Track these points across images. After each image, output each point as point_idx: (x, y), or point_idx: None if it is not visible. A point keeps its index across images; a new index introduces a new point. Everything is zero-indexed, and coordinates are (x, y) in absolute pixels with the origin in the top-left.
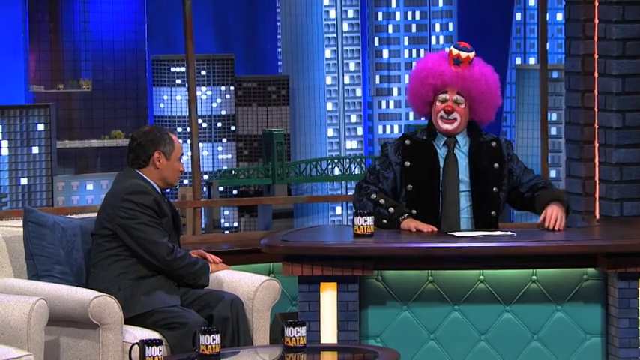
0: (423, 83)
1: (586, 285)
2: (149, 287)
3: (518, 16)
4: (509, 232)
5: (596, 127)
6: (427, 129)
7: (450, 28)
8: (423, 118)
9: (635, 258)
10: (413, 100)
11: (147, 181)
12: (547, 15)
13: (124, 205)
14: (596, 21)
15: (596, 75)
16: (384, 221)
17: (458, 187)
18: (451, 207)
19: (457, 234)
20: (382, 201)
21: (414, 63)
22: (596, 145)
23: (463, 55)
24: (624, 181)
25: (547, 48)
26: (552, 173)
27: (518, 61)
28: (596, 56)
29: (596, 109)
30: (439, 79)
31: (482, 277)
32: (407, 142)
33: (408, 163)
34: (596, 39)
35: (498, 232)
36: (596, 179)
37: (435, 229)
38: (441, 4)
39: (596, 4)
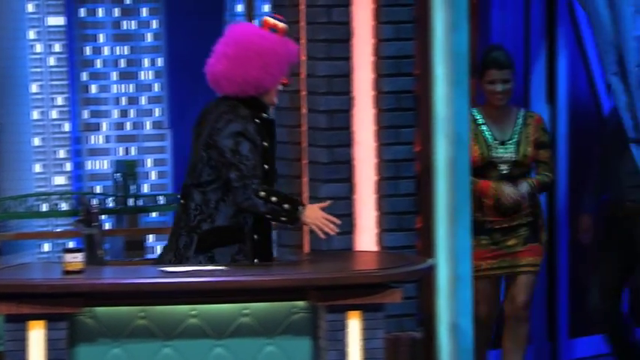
0: (290, 65)
1: (296, 318)
2: None
3: None
4: (221, 267)
5: (305, 162)
6: (250, 103)
7: (160, 63)
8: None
9: (344, 291)
10: (275, 79)
11: None
12: None
13: None
14: (304, 58)
15: (304, 111)
16: (283, 219)
17: None
18: None
19: (169, 269)
20: (274, 198)
21: (124, 99)
22: (305, 179)
23: (280, 25)
24: (332, 215)
25: None
26: None
27: None
28: (303, 92)
29: (304, 145)
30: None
31: (194, 312)
32: (257, 120)
33: (266, 144)
34: (303, 75)
35: (210, 267)
36: None
37: (338, 222)
38: (149, 39)
39: (303, 41)
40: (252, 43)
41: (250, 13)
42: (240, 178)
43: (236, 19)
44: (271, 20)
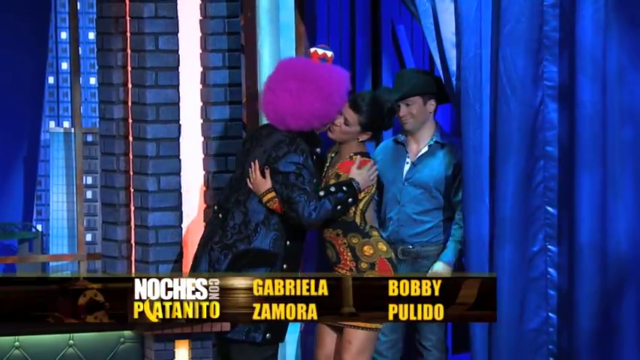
0: (348, 92)
1: (124, 348)
2: None
3: (51, 80)
4: None
5: (132, 190)
6: (307, 137)
7: None
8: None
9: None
10: (338, 109)
11: None
12: (80, 79)
13: None
14: (130, 85)
15: (131, 139)
16: (350, 200)
17: None
18: None
19: None
20: (332, 189)
21: None
22: (132, 208)
23: (329, 54)
24: (160, 243)
25: (81, 111)
26: (89, 237)
27: (52, 124)
28: (130, 120)
29: (131, 173)
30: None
31: (17, 343)
32: (314, 156)
33: (315, 180)
34: (130, 103)
35: None
36: (133, 242)
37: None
38: None
39: (129, 69)
40: (312, 76)
41: (75, 39)
42: (303, 193)
43: (60, 46)
44: (320, 50)
